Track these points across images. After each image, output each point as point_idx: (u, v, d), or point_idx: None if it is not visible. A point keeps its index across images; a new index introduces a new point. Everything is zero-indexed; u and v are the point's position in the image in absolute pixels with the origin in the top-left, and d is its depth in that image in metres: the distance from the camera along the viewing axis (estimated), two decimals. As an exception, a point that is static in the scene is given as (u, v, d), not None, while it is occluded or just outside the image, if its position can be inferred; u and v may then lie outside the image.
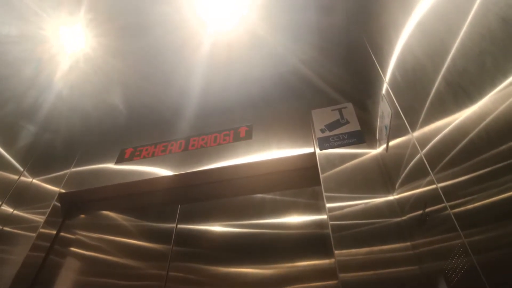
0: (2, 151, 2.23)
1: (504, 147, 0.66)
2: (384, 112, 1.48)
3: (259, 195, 1.97)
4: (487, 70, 0.68)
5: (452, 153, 0.88)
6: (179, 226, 1.99)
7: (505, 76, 0.62)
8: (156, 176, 2.12)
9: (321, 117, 1.99)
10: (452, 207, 0.92)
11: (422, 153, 1.10)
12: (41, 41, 1.82)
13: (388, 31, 1.28)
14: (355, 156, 1.73)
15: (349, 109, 1.98)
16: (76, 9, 1.68)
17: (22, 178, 2.33)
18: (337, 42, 1.91)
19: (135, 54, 1.95)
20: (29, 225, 2.08)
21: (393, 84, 1.31)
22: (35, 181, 2.39)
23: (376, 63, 1.50)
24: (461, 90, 0.79)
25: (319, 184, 1.71)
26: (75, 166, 2.44)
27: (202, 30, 1.80)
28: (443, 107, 0.90)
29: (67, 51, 1.90)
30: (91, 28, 1.79)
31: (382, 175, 1.60)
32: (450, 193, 0.93)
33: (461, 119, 0.81)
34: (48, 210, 2.14)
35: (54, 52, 1.89)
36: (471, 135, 0.77)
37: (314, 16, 1.76)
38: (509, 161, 0.65)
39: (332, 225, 1.49)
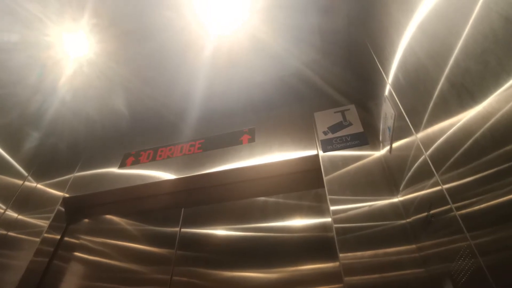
0: (7, 157, 2.25)
1: (509, 147, 0.65)
2: (387, 113, 1.48)
3: (263, 198, 1.96)
4: (491, 70, 0.67)
5: (457, 154, 0.87)
6: (182, 230, 1.98)
7: (509, 75, 0.62)
8: (159, 180, 2.13)
9: (324, 119, 1.99)
10: (458, 208, 0.91)
11: (426, 154, 1.09)
12: (45, 47, 1.84)
13: (390, 32, 1.28)
14: (358, 158, 1.72)
15: (352, 111, 1.98)
16: (80, 15, 1.70)
17: (26, 183, 2.35)
18: (339, 44, 1.91)
19: (137, 59, 1.97)
20: (33, 230, 2.08)
21: (396, 85, 1.31)
22: (39, 186, 2.41)
23: (378, 64, 1.50)
24: (464, 90, 0.79)
25: (323, 186, 1.70)
26: (79, 170, 2.45)
27: (204, 34, 1.82)
28: (446, 108, 0.90)
29: (71, 56, 1.92)
30: (94, 34, 1.80)
31: (386, 177, 1.59)
32: (455, 194, 0.92)
33: (466, 120, 0.81)
34: (52, 215, 2.15)
35: (58, 58, 1.91)
36: (476, 135, 0.76)
37: (316, 19, 1.77)
38: (515, 161, 0.64)
39: (337, 228, 1.48)
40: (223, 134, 2.25)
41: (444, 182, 0.98)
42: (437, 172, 1.02)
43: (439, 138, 0.98)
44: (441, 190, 1.00)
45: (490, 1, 0.65)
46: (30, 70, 1.95)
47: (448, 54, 0.84)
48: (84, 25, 1.75)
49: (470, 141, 0.80)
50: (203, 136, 2.31)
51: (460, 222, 0.90)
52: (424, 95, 1.03)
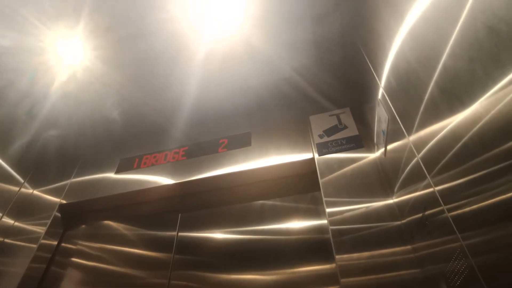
0: (2, 163, 2.24)
1: (497, 150, 0.67)
2: (381, 117, 1.50)
3: (259, 202, 1.98)
4: (477, 76, 0.69)
5: (448, 156, 0.90)
6: (180, 234, 1.99)
7: (494, 82, 0.64)
8: (156, 185, 2.13)
9: (319, 123, 2.01)
10: (450, 210, 0.93)
11: (418, 157, 1.11)
12: (39, 53, 1.83)
13: (382, 37, 1.30)
14: (353, 160, 1.74)
15: (347, 115, 2.00)
16: (75, 22, 1.70)
17: (22, 189, 2.34)
18: (333, 49, 1.93)
19: (131, 64, 1.97)
20: (30, 237, 2.07)
21: (389, 89, 1.33)
22: (35, 192, 2.40)
23: (371, 68, 1.52)
24: (453, 95, 0.81)
25: (319, 189, 1.71)
26: (75, 176, 2.45)
27: (197, 39, 1.82)
28: (436, 112, 0.92)
29: (65, 63, 1.91)
30: (89, 41, 1.81)
31: (381, 179, 1.61)
32: (447, 196, 0.94)
33: (455, 123, 0.83)
34: (49, 221, 2.14)
35: (51, 64, 1.90)
36: (465, 139, 0.79)
37: (310, 24, 1.79)
38: (502, 164, 0.66)
39: (333, 230, 1.50)
40: (219, 138, 2.26)
41: (436, 184, 1.00)
42: (429, 174, 1.04)
43: (430, 141, 1.00)
44: (433, 192, 1.02)
45: (475, 10, 0.67)
46: (22, 75, 1.94)
47: (437, 59, 0.86)
48: (80, 32, 1.76)
49: (460, 144, 0.82)
50: (199, 140, 2.32)
51: (452, 223, 0.92)
52: (415, 99, 1.05)
